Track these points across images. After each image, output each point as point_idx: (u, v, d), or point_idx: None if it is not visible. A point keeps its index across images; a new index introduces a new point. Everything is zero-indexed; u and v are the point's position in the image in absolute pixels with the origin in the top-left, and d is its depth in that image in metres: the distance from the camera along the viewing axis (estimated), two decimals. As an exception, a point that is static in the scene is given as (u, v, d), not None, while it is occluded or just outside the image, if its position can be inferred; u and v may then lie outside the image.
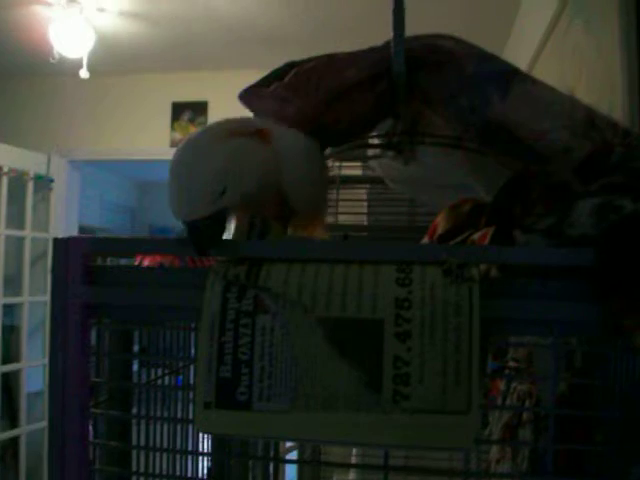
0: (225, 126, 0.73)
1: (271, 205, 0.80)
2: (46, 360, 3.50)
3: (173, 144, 3.93)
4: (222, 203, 0.69)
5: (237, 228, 0.83)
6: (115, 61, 3.74)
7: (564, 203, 0.64)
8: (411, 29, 0.77)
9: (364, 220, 1.83)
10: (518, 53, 2.65)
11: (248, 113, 0.88)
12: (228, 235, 0.81)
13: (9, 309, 3.58)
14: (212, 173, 0.68)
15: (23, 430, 3.46)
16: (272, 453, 1.23)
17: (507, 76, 0.77)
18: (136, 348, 0.91)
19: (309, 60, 0.82)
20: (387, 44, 0.78)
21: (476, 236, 0.74)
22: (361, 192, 1.82)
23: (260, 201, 0.76)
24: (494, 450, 1.04)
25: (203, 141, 0.71)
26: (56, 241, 0.67)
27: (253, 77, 0.90)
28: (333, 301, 0.57)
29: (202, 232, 0.67)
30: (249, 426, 0.57)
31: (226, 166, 0.69)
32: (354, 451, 1.65)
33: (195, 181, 0.68)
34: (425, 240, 0.94)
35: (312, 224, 0.87)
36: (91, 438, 0.68)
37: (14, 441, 3.45)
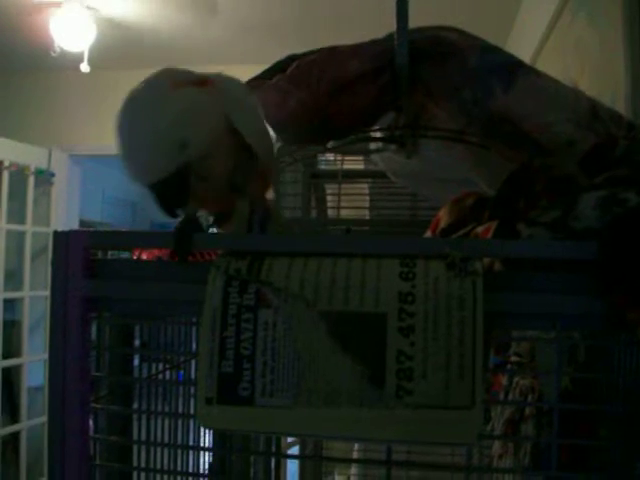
0: (169, 76, 0.68)
1: (230, 157, 0.73)
2: (47, 355, 3.49)
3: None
4: (184, 158, 0.65)
5: (237, 216, 0.80)
6: (117, 55, 3.72)
7: (568, 196, 0.64)
8: (413, 21, 0.76)
9: (366, 214, 1.83)
10: (520, 46, 2.64)
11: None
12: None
13: (10, 304, 3.57)
14: (168, 125, 0.64)
15: (24, 425, 3.46)
16: (274, 448, 1.23)
17: (511, 68, 0.77)
18: (137, 343, 0.90)
19: (311, 53, 0.81)
20: (390, 36, 0.78)
21: (479, 230, 0.74)
22: (363, 186, 1.82)
23: (221, 154, 0.71)
24: (496, 445, 1.04)
25: (150, 94, 0.67)
26: (56, 234, 0.66)
27: (254, 71, 0.89)
28: (336, 295, 0.56)
29: (168, 192, 0.65)
30: (251, 422, 0.57)
31: (182, 117, 0.65)
32: (356, 446, 1.64)
33: (150, 137, 0.63)
34: (428, 234, 0.94)
35: (269, 177, 0.81)
36: (92, 433, 0.68)
37: (15, 436, 3.45)
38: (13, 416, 3.49)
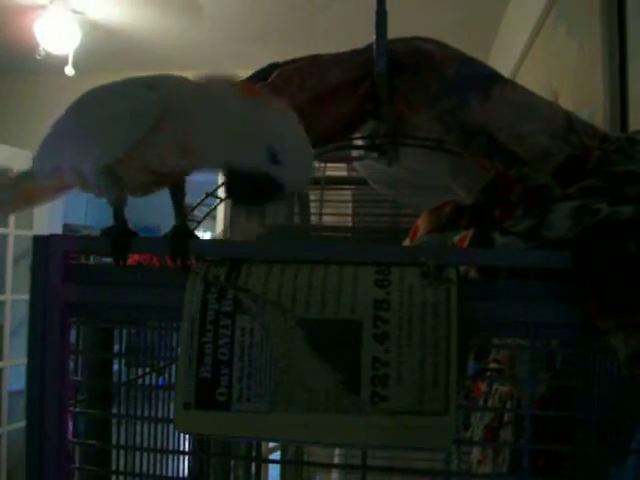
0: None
1: None
2: (28, 359, 3.46)
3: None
4: None
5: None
6: (102, 58, 3.71)
7: (542, 206, 0.65)
8: (397, 31, 0.77)
9: (349, 221, 1.83)
10: (504, 56, 2.66)
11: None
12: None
13: (-8, 307, 3.55)
14: None
15: (4, 429, 3.43)
16: (254, 453, 1.23)
17: (487, 80, 0.78)
18: (116, 347, 0.90)
19: (293, 61, 0.82)
20: (370, 46, 0.79)
21: (455, 238, 0.74)
22: (346, 193, 1.82)
23: None
24: (476, 451, 1.05)
25: None
26: (37, 239, 0.66)
27: (242, 75, 0.89)
28: (312, 302, 0.57)
29: None
30: (228, 426, 0.57)
31: None
32: (337, 451, 1.65)
33: None
34: (406, 242, 0.95)
35: None
36: (71, 437, 0.68)
37: (-5, 440, 3.43)
38: (-6, 420, 3.46)
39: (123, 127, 0.67)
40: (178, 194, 0.74)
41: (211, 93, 0.65)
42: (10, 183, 0.84)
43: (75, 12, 3.08)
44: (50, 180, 0.78)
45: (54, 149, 0.76)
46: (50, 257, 0.66)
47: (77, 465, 0.70)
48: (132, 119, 0.66)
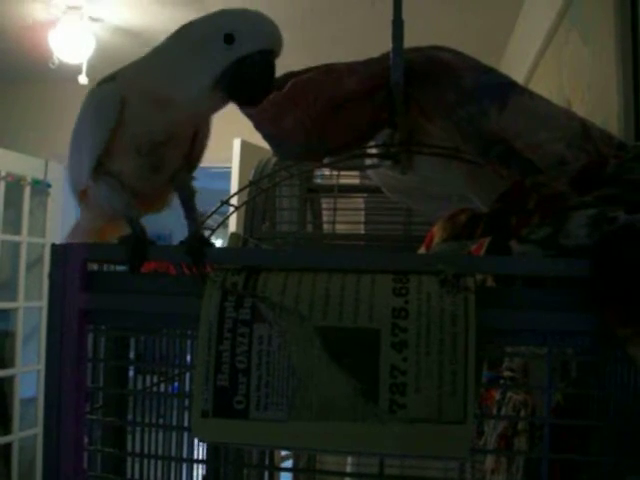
0: None
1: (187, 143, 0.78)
2: (40, 366, 3.49)
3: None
4: None
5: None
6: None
7: (560, 214, 0.65)
8: (409, 37, 0.77)
9: (362, 229, 1.83)
10: (516, 64, 2.66)
11: (246, 121, 0.88)
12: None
13: (4, 314, 3.56)
14: None
15: (16, 436, 3.44)
16: (267, 461, 1.23)
17: (504, 89, 0.78)
18: (132, 354, 0.91)
19: (307, 70, 0.82)
20: (385, 55, 0.79)
21: (472, 246, 0.74)
22: (359, 201, 1.82)
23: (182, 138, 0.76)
24: (489, 460, 1.04)
25: None
26: (54, 247, 0.67)
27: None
28: (330, 310, 0.57)
29: None
30: (246, 435, 0.57)
31: None
32: (349, 460, 1.64)
33: None
34: (422, 250, 0.94)
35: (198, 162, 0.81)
36: (86, 445, 0.68)
37: (6, 447, 3.43)
38: (5, 427, 3.47)
39: (95, 117, 0.71)
40: (187, 198, 0.74)
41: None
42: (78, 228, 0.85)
43: (88, 22, 3.10)
44: (83, 205, 0.80)
45: (71, 176, 0.78)
46: (68, 265, 0.66)
47: (92, 473, 0.70)
48: (99, 107, 0.71)
